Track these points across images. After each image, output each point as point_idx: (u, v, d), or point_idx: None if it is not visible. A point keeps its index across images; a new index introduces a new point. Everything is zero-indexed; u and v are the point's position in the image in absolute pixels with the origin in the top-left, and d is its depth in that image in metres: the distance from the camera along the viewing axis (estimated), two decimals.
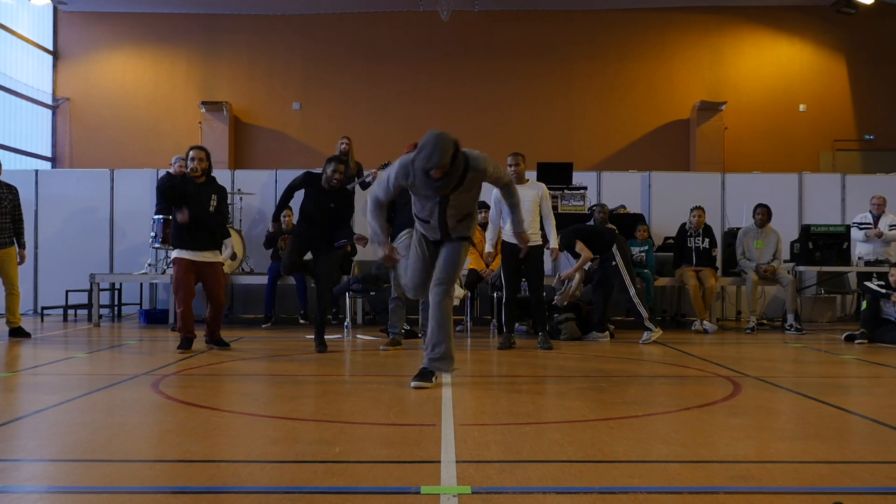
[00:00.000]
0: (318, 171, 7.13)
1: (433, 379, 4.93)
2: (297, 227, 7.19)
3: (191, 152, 6.97)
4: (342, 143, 10.20)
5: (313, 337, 7.15)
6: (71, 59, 15.97)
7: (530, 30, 16.02)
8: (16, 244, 8.24)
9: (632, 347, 7.59)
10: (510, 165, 7.46)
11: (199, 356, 6.61)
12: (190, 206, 6.79)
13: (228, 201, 10.41)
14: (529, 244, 7.29)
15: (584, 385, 5.41)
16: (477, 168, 4.76)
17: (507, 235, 7.39)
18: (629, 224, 9.78)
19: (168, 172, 9.86)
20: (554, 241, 7.60)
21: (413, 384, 4.86)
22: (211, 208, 6.92)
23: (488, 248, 7.94)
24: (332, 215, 7.04)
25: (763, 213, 9.51)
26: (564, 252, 8.41)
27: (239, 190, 10.86)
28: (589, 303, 8.79)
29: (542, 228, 7.56)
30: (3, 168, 8.47)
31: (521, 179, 7.50)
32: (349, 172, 10.20)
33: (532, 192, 7.39)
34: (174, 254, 6.97)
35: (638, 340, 7.84)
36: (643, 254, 9.59)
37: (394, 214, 7.24)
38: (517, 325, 8.94)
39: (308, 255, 7.21)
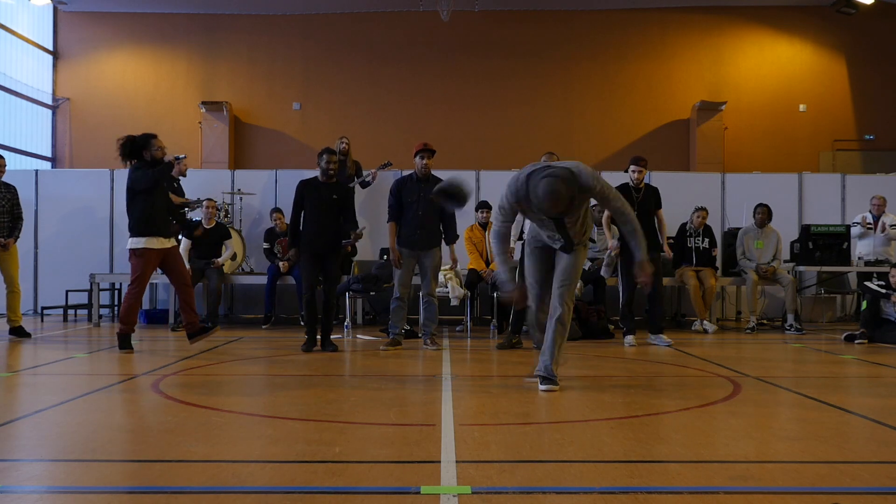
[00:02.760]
0: (309, 176, 7.29)
1: (556, 382, 4.88)
2: (304, 243, 7.08)
3: (154, 141, 7.05)
4: (341, 144, 10.25)
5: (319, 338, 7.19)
6: (71, 59, 15.98)
7: (530, 30, 16.02)
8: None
9: (631, 348, 7.58)
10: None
11: (198, 356, 6.61)
12: (160, 196, 6.99)
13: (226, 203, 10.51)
14: None
15: (585, 385, 5.40)
16: (586, 187, 4.60)
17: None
18: None
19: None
20: None
21: (542, 388, 4.81)
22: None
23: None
24: (338, 207, 7.11)
25: (763, 213, 9.52)
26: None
27: (239, 190, 10.86)
28: (589, 303, 8.78)
29: None
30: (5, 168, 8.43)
31: None
32: (347, 172, 10.24)
33: None
34: (142, 242, 6.78)
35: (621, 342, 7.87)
36: None
37: (402, 214, 7.26)
38: None
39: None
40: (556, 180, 4.40)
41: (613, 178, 11.42)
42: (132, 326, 6.95)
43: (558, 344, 4.89)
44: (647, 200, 8.00)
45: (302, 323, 9.63)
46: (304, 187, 7.15)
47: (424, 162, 7.22)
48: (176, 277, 7.06)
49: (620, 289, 7.99)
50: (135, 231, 6.84)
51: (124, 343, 6.89)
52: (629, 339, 7.74)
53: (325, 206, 7.04)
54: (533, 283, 5.07)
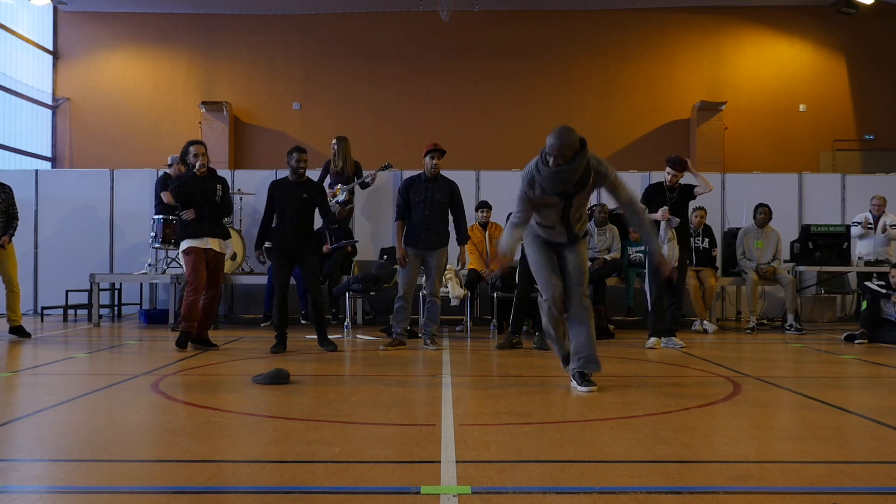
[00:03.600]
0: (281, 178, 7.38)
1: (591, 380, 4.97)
2: (277, 244, 7.09)
3: (192, 148, 7.04)
4: (334, 144, 10.26)
5: (316, 338, 7.20)
6: (71, 59, 15.98)
7: (530, 30, 16.02)
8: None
9: (631, 348, 7.58)
10: None
11: (198, 356, 6.61)
12: (199, 202, 6.97)
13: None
14: None
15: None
16: (599, 169, 4.79)
17: None
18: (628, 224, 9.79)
19: (166, 173, 9.85)
20: None
21: (583, 390, 4.86)
22: (217, 198, 7.10)
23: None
24: (308, 206, 7.09)
25: (765, 213, 9.52)
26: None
27: (239, 190, 10.85)
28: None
29: None
30: None
31: None
32: (347, 172, 10.24)
33: None
34: (185, 244, 7.00)
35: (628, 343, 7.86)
36: (640, 254, 9.59)
37: (409, 212, 7.26)
38: None
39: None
40: (564, 127, 4.62)
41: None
42: (193, 325, 6.97)
43: (592, 337, 5.03)
44: (681, 200, 7.71)
45: (304, 322, 9.65)
46: (275, 188, 7.15)
47: (434, 162, 7.23)
48: (209, 284, 7.10)
49: (647, 289, 7.70)
50: (180, 236, 7.12)
51: (181, 341, 6.92)
52: (652, 340, 7.47)
53: (296, 205, 7.03)
54: (546, 278, 5.07)
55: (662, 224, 7.51)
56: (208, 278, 7.08)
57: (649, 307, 7.67)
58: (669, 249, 7.49)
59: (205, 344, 7.10)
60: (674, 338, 7.55)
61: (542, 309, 5.15)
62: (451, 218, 7.46)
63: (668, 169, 7.71)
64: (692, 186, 7.85)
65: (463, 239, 7.42)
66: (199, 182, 7.00)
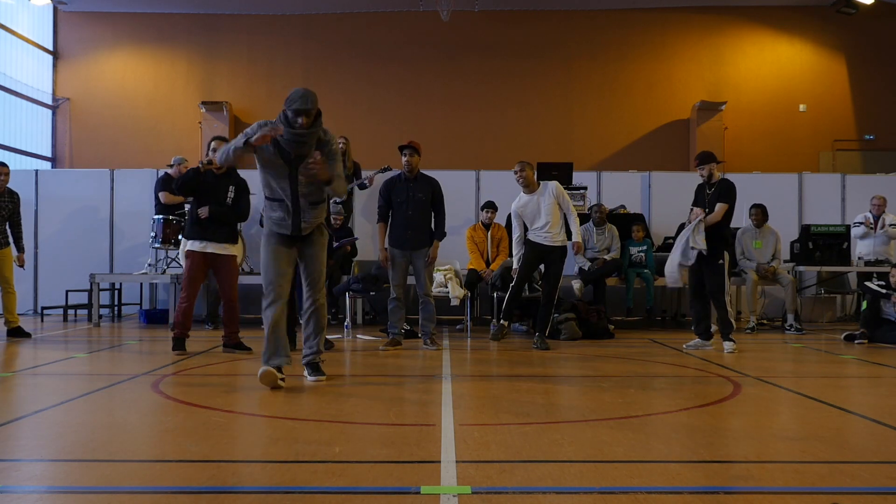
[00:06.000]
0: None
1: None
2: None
3: (212, 143, 6.92)
4: (342, 143, 10.21)
5: None
6: (71, 59, 15.98)
7: (530, 30, 16.02)
8: (13, 247, 8.20)
9: (631, 348, 7.59)
10: (515, 172, 7.38)
11: (198, 356, 6.61)
12: (207, 198, 6.75)
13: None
14: (553, 245, 7.32)
15: (584, 385, 5.41)
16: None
17: (533, 235, 7.38)
18: (628, 224, 9.79)
19: (167, 173, 9.84)
20: (577, 235, 7.44)
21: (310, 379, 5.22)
22: (228, 200, 6.86)
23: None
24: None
25: (758, 213, 9.52)
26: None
27: None
28: (589, 303, 8.78)
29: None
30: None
31: (532, 186, 7.37)
32: (346, 172, 10.21)
33: (549, 198, 7.29)
34: (187, 245, 6.83)
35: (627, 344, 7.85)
36: (642, 254, 9.59)
37: (392, 215, 7.22)
38: (517, 324, 8.95)
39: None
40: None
41: (613, 179, 11.46)
42: (185, 331, 6.83)
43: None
44: (716, 197, 7.32)
45: (302, 322, 9.63)
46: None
47: (406, 159, 7.09)
48: (220, 288, 6.99)
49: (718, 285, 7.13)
50: (185, 234, 6.97)
51: (177, 345, 6.80)
52: (729, 345, 7.08)
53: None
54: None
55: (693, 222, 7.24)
56: (220, 285, 6.92)
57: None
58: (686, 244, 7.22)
59: (238, 347, 6.92)
60: (707, 342, 7.26)
61: None
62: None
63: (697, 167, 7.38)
64: (727, 185, 7.44)
65: (440, 235, 7.27)
66: (207, 178, 6.76)
